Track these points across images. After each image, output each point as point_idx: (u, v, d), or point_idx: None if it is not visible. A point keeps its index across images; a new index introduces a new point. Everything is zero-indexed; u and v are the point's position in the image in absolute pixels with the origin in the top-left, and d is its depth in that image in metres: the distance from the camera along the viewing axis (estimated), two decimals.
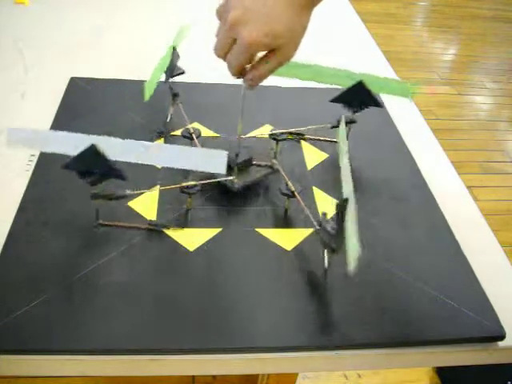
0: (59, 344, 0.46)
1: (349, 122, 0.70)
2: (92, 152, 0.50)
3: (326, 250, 0.54)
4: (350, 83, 0.66)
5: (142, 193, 0.60)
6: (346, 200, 0.48)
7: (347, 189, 0.49)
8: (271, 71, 0.54)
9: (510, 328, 0.51)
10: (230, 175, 0.62)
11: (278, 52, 0.53)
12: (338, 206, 0.49)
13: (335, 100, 0.68)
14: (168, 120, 0.73)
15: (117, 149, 0.50)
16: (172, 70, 0.71)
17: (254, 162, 0.65)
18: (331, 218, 0.54)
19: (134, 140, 0.50)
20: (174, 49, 0.70)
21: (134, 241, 0.56)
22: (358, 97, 0.66)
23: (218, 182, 0.62)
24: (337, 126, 0.70)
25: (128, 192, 0.57)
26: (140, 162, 0.50)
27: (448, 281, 0.55)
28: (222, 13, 0.53)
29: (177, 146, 0.52)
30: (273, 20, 0.50)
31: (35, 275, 0.51)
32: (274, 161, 0.66)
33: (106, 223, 0.57)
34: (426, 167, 0.71)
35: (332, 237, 0.51)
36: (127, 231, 0.57)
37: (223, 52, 0.54)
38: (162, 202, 0.61)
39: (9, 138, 0.51)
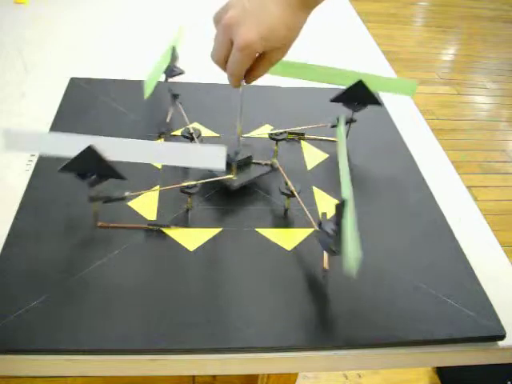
0: (59, 344, 0.46)
1: (349, 121, 0.71)
2: (89, 153, 0.49)
3: (325, 252, 0.54)
4: (350, 82, 0.67)
5: (141, 193, 0.60)
6: (345, 201, 0.48)
7: (346, 190, 0.49)
8: (263, 74, 0.55)
9: (510, 328, 0.51)
10: (229, 173, 0.62)
11: (271, 54, 0.52)
12: (337, 207, 0.49)
13: (335, 100, 0.69)
14: (168, 120, 0.73)
15: (116, 148, 0.49)
16: (171, 70, 0.71)
17: (254, 161, 0.65)
18: (331, 218, 0.54)
19: (133, 139, 0.49)
20: (174, 49, 0.70)
21: (134, 241, 0.56)
22: (358, 96, 0.67)
23: (218, 180, 0.62)
24: (337, 126, 0.69)
25: (126, 193, 0.55)
26: (140, 161, 0.50)
27: (448, 281, 0.55)
28: (219, 19, 0.53)
29: (176, 144, 0.50)
30: (270, 21, 0.50)
31: (35, 275, 0.51)
32: (274, 160, 0.66)
33: (106, 225, 0.56)
34: (426, 167, 0.71)
35: (331, 238, 0.51)
36: (127, 231, 0.57)
37: (219, 56, 0.52)
38: (162, 201, 0.61)
39: (6, 140, 0.50)
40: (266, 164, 0.65)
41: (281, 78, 0.68)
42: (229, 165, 0.63)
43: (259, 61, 0.53)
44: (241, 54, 0.50)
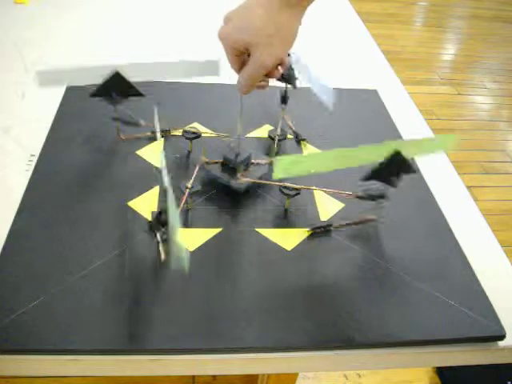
0: (59, 344, 0.46)
1: (378, 197, 0.61)
2: (115, 77, 0.59)
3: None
4: (384, 155, 0.54)
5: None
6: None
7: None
8: (257, 74, 0.57)
9: (510, 328, 0.51)
10: (232, 177, 0.62)
11: (258, 49, 0.56)
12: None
13: (368, 178, 0.57)
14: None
15: (133, 70, 0.60)
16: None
17: (253, 161, 0.65)
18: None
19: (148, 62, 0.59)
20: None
21: (134, 241, 0.56)
22: (393, 167, 0.55)
23: (225, 184, 0.62)
24: (363, 198, 0.62)
25: (142, 121, 0.65)
26: (148, 79, 0.60)
27: (448, 281, 0.55)
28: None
29: (176, 61, 0.59)
30: (249, 18, 0.55)
31: (35, 275, 0.51)
32: (272, 158, 0.65)
33: (130, 137, 0.63)
34: (427, 167, 0.71)
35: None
36: (127, 231, 0.57)
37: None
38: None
39: (39, 79, 0.59)
40: (265, 164, 0.65)
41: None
42: (233, 169, 0.63)
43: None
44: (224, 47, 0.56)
